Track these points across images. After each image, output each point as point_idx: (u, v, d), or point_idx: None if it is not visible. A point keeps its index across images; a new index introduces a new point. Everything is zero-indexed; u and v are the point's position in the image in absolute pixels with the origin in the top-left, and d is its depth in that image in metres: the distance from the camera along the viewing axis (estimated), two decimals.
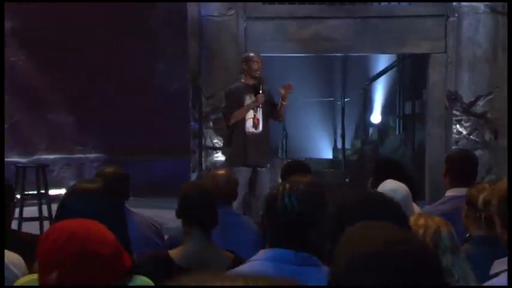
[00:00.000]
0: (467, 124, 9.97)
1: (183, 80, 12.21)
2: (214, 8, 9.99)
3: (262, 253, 2.88)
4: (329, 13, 10.06)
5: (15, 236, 3.76)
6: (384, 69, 13.08)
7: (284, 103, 7.81)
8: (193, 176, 10.34)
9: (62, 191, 12.60)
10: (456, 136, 9.98)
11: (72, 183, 13.55)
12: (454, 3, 9.98)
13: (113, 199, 2.77)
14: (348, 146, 12.82)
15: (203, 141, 10.16)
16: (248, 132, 7.70)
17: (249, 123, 7.70)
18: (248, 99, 7.73)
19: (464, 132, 9.97)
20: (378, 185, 4.78)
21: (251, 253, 4.16)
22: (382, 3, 10.21)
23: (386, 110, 13.48)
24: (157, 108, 12.97)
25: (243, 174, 7.61)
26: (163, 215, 10.74)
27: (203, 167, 10.14)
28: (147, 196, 12.60)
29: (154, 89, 13.13)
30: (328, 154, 13.47)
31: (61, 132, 13.30)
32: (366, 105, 13.33)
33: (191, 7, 10.19)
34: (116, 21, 12.76)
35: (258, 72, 7.78)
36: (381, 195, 2.41)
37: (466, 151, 5.09)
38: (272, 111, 7.86)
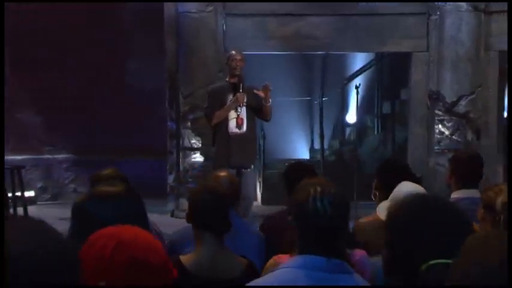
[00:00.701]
0: (450, 124, 9.84)
1: (159, 79, 11.96)
2: (192, 5, 9.74)
3: (292, 260, 2.73)
4: (310, 10, 9.86)
5: None
6: (362, 68, 12.93)
7: (267, 104, 7.56)
8: (170, 178, 10.09)
9: (31, 193, 12.33)
10: (438, 136, 9.85)
11: (40, 184, 13.25)
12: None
13: (136, 202, 2.58)
14: (325, 146, 12.64)
15: (181, 142, 9.89)
16: (232, 132, 7.44)
17: (232, 124, 7.44)
18: (230, 99, 7.47)
19: (447, 132, 9.84)
20: (383, 187, 4.60)
21: (255, 257, 3.98)
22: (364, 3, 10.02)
23: (365, 109, 13.31)
24: (132, 108, 12.66)
25: None
26: None
27: (181, 168, 9.89)
28: None
29: (128, 88, 12.83)
30: (305, 155, 13.27)
31: (28, 132, 12.94)
32: (344, 105, 13.15)
33: (168, 6, 9.93)
34: (88, 20, 12.45)
35: (237, 70, 7.51)
36: (443, 200, 2.21)
37: (472, 151, 4.91)
38: (258, 111, 7.62)
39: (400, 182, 4.45)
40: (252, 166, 7.55)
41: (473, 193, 4.70)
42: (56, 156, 13.17)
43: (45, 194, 12.94)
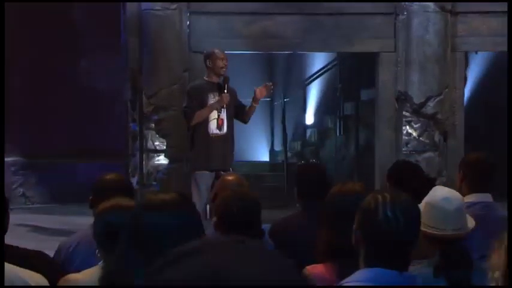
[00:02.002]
0: (417, 125, 9.76)
1: (116, 79, 11.63)
2: (155, 2, 9.43)
3: (359, 273, 2.52)
4: (277, 9, 9.68)
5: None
6: (323, 68, 12.79)
7: (255, 105, 7.39)
8: (134, 181, 9.75)
9: None
10: (406, 138, 9.76)
11: None
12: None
13: (191, 210, 2.34)
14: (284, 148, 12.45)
15: (144, 144, 9.57)
16: (212, 133, 7.20)
17: (212, 124, 7.20)
18: (212, 99, 7.22)
19: (414, 134, 9.76)
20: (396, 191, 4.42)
21: None
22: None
23: (326, 110, 13.19)
24: (86, 109, 12.28)
25: (205, 179, 7.13)
26: None
27: (144, 170, 9.57)
28: (72, 202, 11.93)
29: (81, 88, 12.45)
30: (265, 157, 13.07)
31: None
32: (305, 106, 13.00)
33: (131, 3, 9.61)
34: (39, 18, 12.05)
35: (224, 69, 7.28)
36: None
37: (483, 153, 4.75)
38: (238, 112, 7.40)
39: (413, 184, 4.28)
40: (231, 169, 7.32)
41: (486, 197, 4.55)
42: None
43: None
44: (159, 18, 9.46)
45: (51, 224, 10.47)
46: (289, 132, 12.08)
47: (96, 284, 2.77)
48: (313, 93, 13.20)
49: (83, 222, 10.29)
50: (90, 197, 4.09)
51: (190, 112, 7.21)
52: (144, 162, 9.58)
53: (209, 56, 7.39)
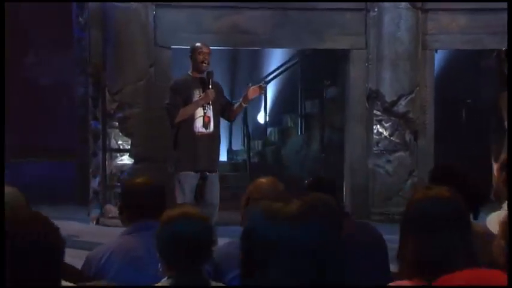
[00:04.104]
0: (388, 124, 9.56)
1: (65, 74, 11.13)
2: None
3: None
4: (247, 4, 9.35)
5: None
6: (283, 65, 12.50)
7: (244, 105, 7.04)
8: (95, 182, 9.26)
9: None
10: (377, 137, 9.56)
11: None
12: None
13: (317, 222, 2.11)
14: (246, 147, 12.10)
15: (107, 143, 9.09)
16: (198, 132, 6.80)
17: (198, 122, 6.79)
18: (197, 95, 6.82)
19: (385, 133, 9.57)
20: None
21: None
22: None
23: (287, 109, 12.91)
24: (31, 104, 11.72)
25: (190, 181, 6.75)
26: (63, 227, 9.59)
27: (107, 171, 9.08)
28: None
29: (25, 84, 11.87)
30: (222, 156, 12.68)
31: None
32: (266, 104, 12.68)
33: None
34: None
35: (205, 64, 6.89)
36: None
37: None
38: (225, 109, 7.02)
39: (456, 188, 3.97)
40: (217, 170, 6.94)
41: None
42: None
43: None
44: (123, 12, 9.01)
45: None
46: (250, 131, 11.77)
47: None
48: (274, 91, 12.91)
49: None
50: (119, 203, 3.69)
51: (173, 109, 6.79)
52: (106, 162, 9.11)
53: (192, 51, 7.00)
